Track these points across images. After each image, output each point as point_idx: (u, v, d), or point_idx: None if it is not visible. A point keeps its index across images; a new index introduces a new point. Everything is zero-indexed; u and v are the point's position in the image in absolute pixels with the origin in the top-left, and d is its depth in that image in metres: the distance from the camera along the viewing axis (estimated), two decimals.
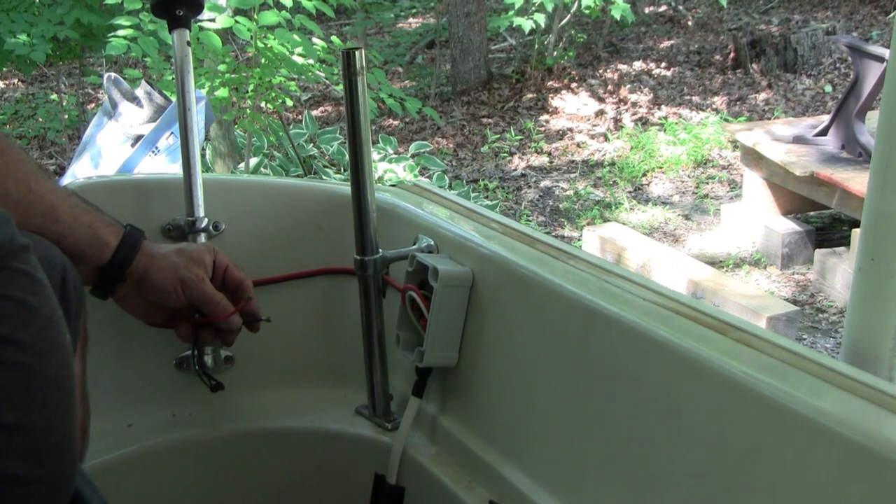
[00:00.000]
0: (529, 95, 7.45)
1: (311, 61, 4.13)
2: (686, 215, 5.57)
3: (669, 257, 4.51)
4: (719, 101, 7.25)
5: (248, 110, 4.22)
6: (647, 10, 9.07)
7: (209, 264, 1.25)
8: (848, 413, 0.87)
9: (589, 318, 1.09)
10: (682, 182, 6.07)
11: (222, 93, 4.06)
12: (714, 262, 4.79)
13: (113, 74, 3.93)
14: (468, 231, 1.31)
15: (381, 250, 1.33)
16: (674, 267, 4.35)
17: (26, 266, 0.84)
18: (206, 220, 1.38)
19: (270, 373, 1.46)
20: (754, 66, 7.52)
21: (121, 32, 3.93)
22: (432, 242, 1.33)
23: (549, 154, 6.63)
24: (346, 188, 1.36)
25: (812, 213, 5.06)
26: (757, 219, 4.93)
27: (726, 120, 6.76)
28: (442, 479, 1.26)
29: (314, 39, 4.10)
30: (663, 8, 9.24)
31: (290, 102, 4.63)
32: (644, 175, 6.16)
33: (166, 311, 1.27)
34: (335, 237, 1.44)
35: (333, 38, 4.66)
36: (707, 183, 6.00)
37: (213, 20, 3.80)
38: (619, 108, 7.25)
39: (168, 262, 1.21)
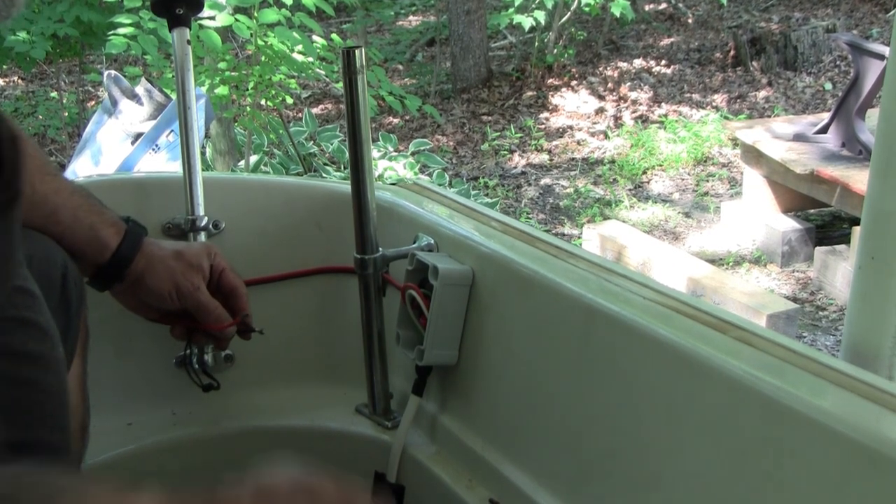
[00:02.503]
0: (529, 93, 7.45)
1: (311, 59, 4.13)
2: (686, 213, 5.56)
3: (669, 255, 4.50)
4: (719, 98, 7.25)
5: (248, 108, 4.22)
6: (647, 8, 9.06)
7: (206, 269, 1.25)
8: (848, 411, 0.87)
9: (589, 317, 1.09)
10: (683, 180, 6.07)
11: (222, 90, 4.06)
12: (714, 260, 4.79)
13: (113, 72, 3.93)
14: (468, 229, 1.31)
15: (380, 249, 1.33)
16: (674, 265, 4.35)
17: (21, 282, 0.84)
18: (206, 218, 1.38)
19: (270, 371, 1.46)
20: (754, 63, 7.52)
21: (121, 30, 3.93)
22: (432, 241, 1.33)
23: (550, 152, 6.63)
24: (346, 186, 1.35)
25: (812, 211, 5.06)
26: (757, 216, 4.93)
27: (726, 118, 6.75)
28: (442, 477, 1.26)
29: (314, 37, 4.10)
30: (663, 5, 9.23)
31: (290, 100, 4.62)
32: (644, 173, 6.15)
33: (161, 309, 1.27)
34: (335, 235, 1.44)
35: (333, 35, 4.66)
36: (707, 181, 6.00)
37: (212, 18, 3.80)
38: (619, 105, 7.25)
39: (165, 268, 1.21)
